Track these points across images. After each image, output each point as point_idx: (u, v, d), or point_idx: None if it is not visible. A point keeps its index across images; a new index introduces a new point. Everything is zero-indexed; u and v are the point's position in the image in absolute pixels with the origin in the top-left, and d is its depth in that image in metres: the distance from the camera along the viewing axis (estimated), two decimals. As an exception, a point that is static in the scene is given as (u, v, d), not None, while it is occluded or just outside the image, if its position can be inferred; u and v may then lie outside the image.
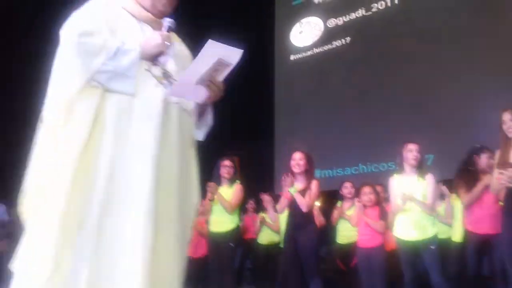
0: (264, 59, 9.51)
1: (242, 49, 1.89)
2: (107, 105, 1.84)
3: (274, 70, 9.83)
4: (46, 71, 1.90)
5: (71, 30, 1.85)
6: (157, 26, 2.02)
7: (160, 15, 2.06)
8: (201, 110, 2.12)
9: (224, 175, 5.01)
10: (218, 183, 5.00)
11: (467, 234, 4.32)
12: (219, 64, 1.93)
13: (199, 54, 1.89)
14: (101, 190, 1.77)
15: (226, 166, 5.06)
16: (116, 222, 1.76)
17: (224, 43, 1.88)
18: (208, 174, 4.84)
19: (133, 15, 2.02)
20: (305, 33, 9.55)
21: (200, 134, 2.16)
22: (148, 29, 2.02)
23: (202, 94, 2.01)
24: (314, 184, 4.58)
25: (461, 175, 4.39)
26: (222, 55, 1.90)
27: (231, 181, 5.05)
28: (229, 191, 5.03)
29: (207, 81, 1.96)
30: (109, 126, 1.82)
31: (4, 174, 8.21)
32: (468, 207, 4.27)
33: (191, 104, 2.09)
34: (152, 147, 1.86)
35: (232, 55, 1.92)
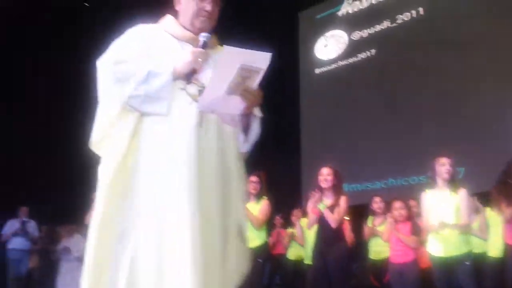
0: (289, 73, 9.49)
1: (269, 52, 1.86)
2: (143, 126, 1.93)
3: (299, 83, 9.81)
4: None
5: (106, 59, 1.98)
6: (197, 44, 2.03)
7: (200, 32, 2.06)
8: (245, 121, 2.04)
9: (251, 190, 4.98)
10: (247, 199, 4.99)
11: (508, 249, 4.18)
12: (246, 71, 1.88)
13: (218, 64, 1.88)
14: (137, 210, 1.85)
15: (252, 182, 5.03)
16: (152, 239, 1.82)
17: (246, 48, 1.85)
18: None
19: (174, 36, 2.08)
20: (330, 46, 9.52)
21: (245, 146, 2.09)
22: (188, 47, 2.02)
23: (237, 105, 1.95)
24: (342, 200, 4.52)
25: (500, 188, 4.21)
26: (245, 61, 1.86)
27: (258, 196, 5.02)
28: (256, 207, 4.99)
29: (241, 90, 1.91)
30: (143, 147, 1.91)
31: (36, 193, 8.38)
32: (510, 221, 4.12)
33: (234, 116, 2.02)
34: (187, 164, 1.87)
35: (258, 59, 1.88)
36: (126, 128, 1.93)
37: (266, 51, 1.85)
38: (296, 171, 9.08)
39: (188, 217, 1.80)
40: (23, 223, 8.12)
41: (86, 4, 9.53)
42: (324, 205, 4.49)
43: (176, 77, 1.94)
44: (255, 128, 2.08)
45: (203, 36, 2.02)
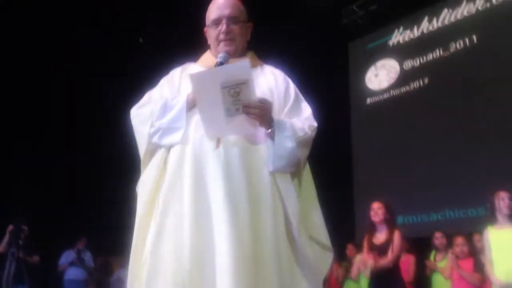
0: (339, 103, 9.44)
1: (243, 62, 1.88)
2: (170, 156, 2.02)
3: (350, 114, 9.73)
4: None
5: (135, 107, 2.16)
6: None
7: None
8: (271, 138, 1.99)
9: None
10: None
11: None
12: (232, 88, 1.85)
13: (195, 93, 1.89)
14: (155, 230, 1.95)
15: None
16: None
17: (214, 68, 1.90)
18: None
19: (205, 67, 2.16)
20: (381, 76, 9.43)
21: (274, 162, 1.97)
22: None
23: (247, 123, 1.93)
24: (396, 236, 4.40)
25: None
26: (224, 79, 1.84)
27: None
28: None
29: (241, 107, 1.88)
30: (168, 175, 1.99)
31: (91, 225, 8.59)
32: None
33: (259, 137, 1.99)
34: (208, 186, 1.89)
35: (237, 72, 1.85)
36: (154, 164, 2.06)
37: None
38: (349, 202, 8.93)
39: (221, 238, 1.80)
40: (79, 253, 8.27)
41: (141, 40, 9.81)
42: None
43: (191, 104, 1.98)
44: (281, 142, 1.98)
45: (219, 57, 2.05)
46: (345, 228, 8.25)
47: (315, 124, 2.14)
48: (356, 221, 8.43)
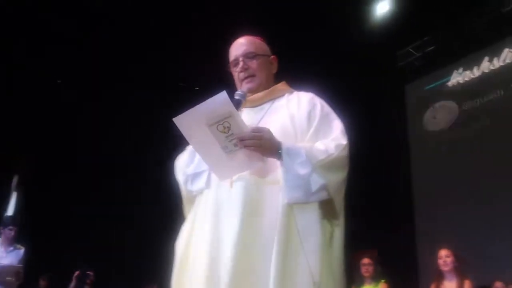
0: (397, 145, 9.31)
1: (221, 90, 1.79)
2: (196, 203, 2.08)
3: (410, 156, 9.54)
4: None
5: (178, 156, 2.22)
6: (251, 104, 2.14)
7: (252, 94, 2.17)
8: (282, 167, 1.88)
9: (365, 274, 4.81)
10: (361, 283, 4.81)
11: None
12: (219, 123, 1.79)
13: (186, 137, 1.87)
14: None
15: (365, 265, 4.87)
16: None
17: (194, 107, 1.79)
18: (349, 274, 4.70)
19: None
20: (440, 117, 9.24)
21: (286, 192, 1.85)
22: (246, 112, 2.11)
23: (251, 157, 1.85)
24: (467, 285, 4.24)
25: None
26: (206, 116, 1.78)
27: (375, 279, 4.82)
28: None
29: (236, 142, 1.82)
30: (195, 223, 2.03)
31: (118, 253, 8.69)
32: None
33: (270, 168, 1.92)
34: (220, 233, 1.88)
35: (217, 106, 1.78)
36: (188, 217, 2.12)
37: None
38: (411, 246, 8.66)
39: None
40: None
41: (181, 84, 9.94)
42: None
43: None
44: (292, 170, 1.85)
45: (235, 95, 2.02)
46: (408, 274, 7.98)
47: (344, 142, 1.98)
48: (420, 265, 8.14)
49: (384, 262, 5.14)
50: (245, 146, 1.83)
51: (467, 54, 8.87)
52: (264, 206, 1.88)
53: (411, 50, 9.49)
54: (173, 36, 8.25)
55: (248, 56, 2.18)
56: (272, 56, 2.27)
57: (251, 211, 1.86)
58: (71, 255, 7.68)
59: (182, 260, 2.02)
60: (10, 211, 9.34)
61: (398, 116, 9.72)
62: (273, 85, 2.22)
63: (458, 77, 9.04)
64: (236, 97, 2.00)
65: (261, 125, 1.99)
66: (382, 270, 4.93)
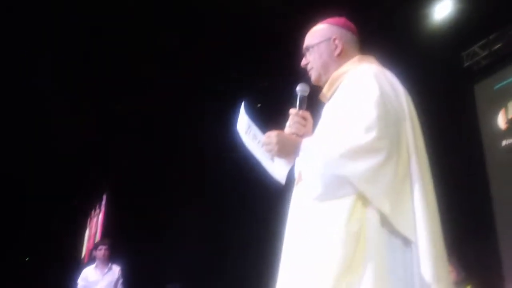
0: (472, 148, 9.08)
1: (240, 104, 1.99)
2: None
3: (485, 158, 9.26)
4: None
5: None
6: (324, 99, 2.13)
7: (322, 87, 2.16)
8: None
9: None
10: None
11: None
12: (247, 131, 1.98)
13: (245, 145, 2.00)
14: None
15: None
16: None
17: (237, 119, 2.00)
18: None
19: None
20: (513, 116, 8.95)
21: (307, 195, 1.88)
22: (324, 107, 2.13)
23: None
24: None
25: None
26: (241, 125, 1.98)
27: (460, 286, 4.76)
28: None
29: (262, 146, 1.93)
30: None
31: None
32: None
33: None
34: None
35: (242, 116, 2.00)
36: None
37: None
38: (495, 252, 8.37)
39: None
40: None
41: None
42: None
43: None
44: (306, 166, 1.89)
45: (297, 90, 2.06)
46: (492, 282, 7.73)
47: (365, 124, 1.76)
48: (505, 273, 7.87)
49: (467, 267, 5.04)
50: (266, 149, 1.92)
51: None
52: (296, 208, 1.96)
53: (477, 49, 9.27)
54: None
55: (305, 52, 2.18)
56: (333, 37, 2.13)
57: (292, 208, 1.97)
58: (162, 270, 7.96)
59: None
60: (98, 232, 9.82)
61: (469, 117, 9.49)
62: (337, 69, 2.10)
63: (530, 74, 8.74)
64: (298, 93, 2.05)
65: (319, 125, 2.03)
66: (467, 275, 4.84)
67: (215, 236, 9.36)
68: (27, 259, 14.67)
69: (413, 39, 8.47)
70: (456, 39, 8.78)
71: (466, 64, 9.48)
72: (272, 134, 1.91)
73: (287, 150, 1.89)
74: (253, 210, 8.77)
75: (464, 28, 8.53)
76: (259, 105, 9.92)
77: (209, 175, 9.81)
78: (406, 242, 1.78)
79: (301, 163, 1.93)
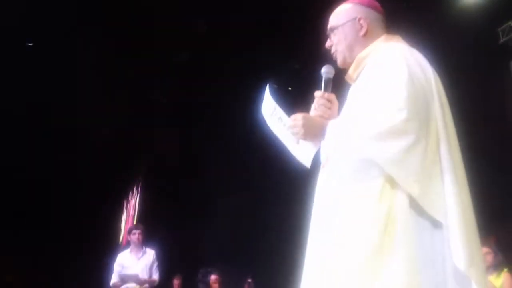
0: (506, 124, 8.87)
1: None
2: None
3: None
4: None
5: None
6: (350, 80, 2.10)
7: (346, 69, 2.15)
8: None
9: (486, 263, 4.69)
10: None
11: None
12: (272, 114, 1.98)
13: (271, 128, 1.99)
14: None
15: (484, 254, 4.74)
16: None
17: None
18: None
19: None
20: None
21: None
22: (351, 88, 2.10)
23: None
24: None
25: None
26: (266, 108, 1.98)
27: (497, 269, 4.64)
28: (498, 281, 4.55)
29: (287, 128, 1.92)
30: None
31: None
32: None
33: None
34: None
35: (267, 98, 1.99)
36: None
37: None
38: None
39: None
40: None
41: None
42: None
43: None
44: (327, 152, 1.93)
45: (322, 73, 2.03)
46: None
47: (394, 105, 1.72)
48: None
49: (504, 250, 4.95)
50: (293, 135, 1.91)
51: None
52: (323, 188, 1.94)
53: (512, 25, 9.00)
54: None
55: (329, 33, 2.13)
56: (358, 17, 2.08)
57: (318, 192, 1.96)
58: (199, 255, 8.05)
59: None
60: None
61: (506, 93, 9.25)
62: (362, 50, 2.07)
63: None
64: (323, 76, 2.03)
65: (345, 107, 2.00)
66: (504, 259, 4.74)
67: (249, 220, 9.43)
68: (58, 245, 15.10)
69: (448, 15, 8.27)
70: (492, 15, 8.54)
71: (502, 40, 9.21)
72: (298, 117, 1.90)
73: (313, 132, 1.88)
74: (288, 192, 8.78)
75: (499, 3, 8.28)
76: (290, 88, 9.87)
77: (242, 159, 9.86)
78: (436, 224, 1.75)
79: (327, 146, 1.91)
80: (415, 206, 1.73)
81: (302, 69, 9.41)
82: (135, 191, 13.30)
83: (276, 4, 7.91)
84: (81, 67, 8.62)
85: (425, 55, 2.02)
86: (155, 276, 6.63)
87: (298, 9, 7.82)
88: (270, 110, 1.99)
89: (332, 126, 1.86)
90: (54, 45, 8.51)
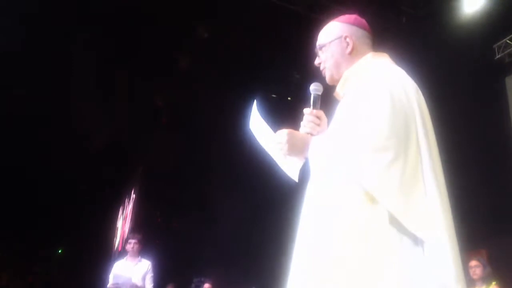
0: (500, 140, 8.96)
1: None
2: None
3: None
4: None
5: None
6: (338, 97, 2.13)
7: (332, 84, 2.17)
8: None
9: (473, 276, 4.74)
10: (472, 286, 4.75)
11: None
12: (262, 131, 2.02)
13: (259, 142, 2.04)
14: None
15: (472, 267, 4.81)
16: None
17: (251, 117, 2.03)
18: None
19: None
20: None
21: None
22: (338, 105, 2.09)
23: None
24: None
25: None
26: (254, 123, 2.03)
27: (485, 281, 4.73)
28: None
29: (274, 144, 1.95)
30: None
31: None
32: None
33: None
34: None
35: (254, 114, 2.03)
36: None
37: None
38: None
39: None
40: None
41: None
42: None
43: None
44: (312, 168, 1.94)
45: (311, 90, 2.07)
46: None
47: (372, 123, 1.75)
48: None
49: (494, 263, 5.02)
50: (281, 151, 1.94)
51: None
52: (308, 202, 1.95)
53: (508, 41, 9.12)
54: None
55: (318, 51, 2.17)
56: (344, 35, 2.11)
57: (304, 206, 1.96)
58: (192, 265, 8.04)
59: None
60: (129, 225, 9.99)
61: (500, 109, 9.35)
62: (349, 67, 2.09)
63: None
64: (312, 92, 2.07)
65: (331, 123, 2.02)
66: (493, 271, 4.81)
67: (247, 228, 9.41)
68: (59, 251, 15.03)
69: (444, 32, 8.39)
70: (488, 32, 8.66)
71: (497, 56, 9.33)
72: (283, 133, 1.92)
73: (297, 148, 1.90)
74: (283, 205, 8.81)
75: (495, 20, 8.40)
76: (289, 98, 9.97)
77: (240, 167, 9.88)
78: (417, 241, 1.74)
79: (310, 162, 1.93)
80: (395, 222, 1.72)
81: (302, 79, 9.51)
82: (132, 196, 13.28)
83: (275, 14, 8.00)
84: (77, 73, 8.64)
85: (417, 71, 2.07)
86: (149, 287, 6.61)
87: (298, 17, 7.92)
88: (258, 126, 2.04)
89: (315, 143, 1.90)
90: (52, 49, 8.53)
